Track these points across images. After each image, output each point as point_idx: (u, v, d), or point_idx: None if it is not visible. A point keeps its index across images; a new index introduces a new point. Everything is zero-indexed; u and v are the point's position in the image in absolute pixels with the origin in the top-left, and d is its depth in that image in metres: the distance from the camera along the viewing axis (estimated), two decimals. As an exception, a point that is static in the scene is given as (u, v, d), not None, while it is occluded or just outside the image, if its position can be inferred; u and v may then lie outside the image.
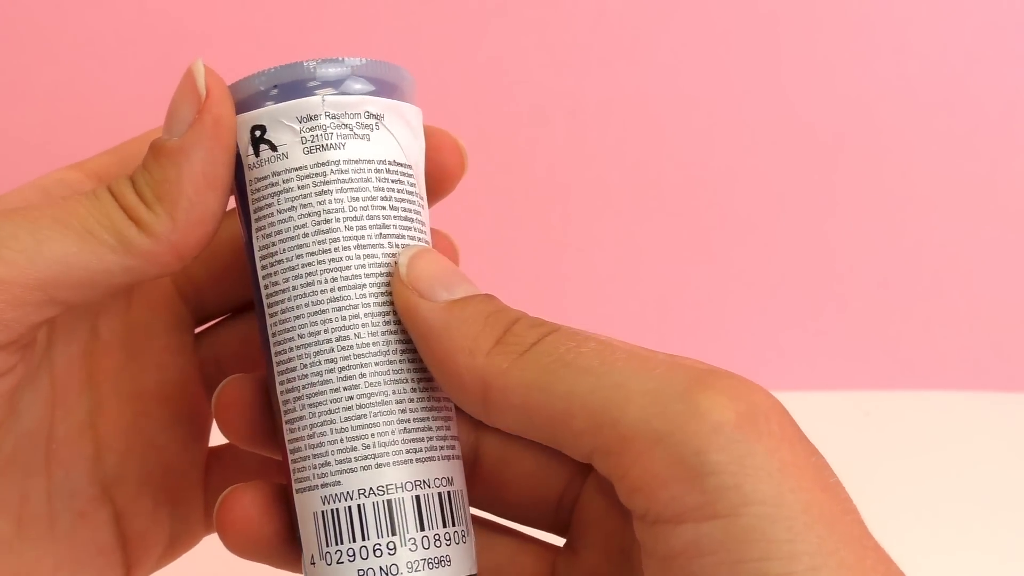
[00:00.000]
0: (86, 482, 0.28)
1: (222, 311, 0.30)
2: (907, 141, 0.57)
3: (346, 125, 0.24)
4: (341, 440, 0.24)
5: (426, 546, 0.24)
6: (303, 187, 0.24)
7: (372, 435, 0.24)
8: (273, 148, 0.24)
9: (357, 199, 0.24)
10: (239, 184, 0.25)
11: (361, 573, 0.24)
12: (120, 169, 0.26)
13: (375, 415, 0.24)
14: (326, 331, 0.24)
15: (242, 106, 0.25)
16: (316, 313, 0.24)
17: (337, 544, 0.24)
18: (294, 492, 0.25)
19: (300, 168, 0.24)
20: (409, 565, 0.24)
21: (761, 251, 0.58)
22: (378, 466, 0.24)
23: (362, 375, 0.24)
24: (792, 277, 0.59)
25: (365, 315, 0.24)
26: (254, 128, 0.24)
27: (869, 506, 0.52)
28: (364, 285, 0.24)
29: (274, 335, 0.25)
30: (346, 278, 0.24)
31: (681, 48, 0.55)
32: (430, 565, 0.24)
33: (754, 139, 0.57)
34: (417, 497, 0.24)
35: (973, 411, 0.58)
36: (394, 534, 0.24)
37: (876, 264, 0.59)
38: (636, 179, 0.57)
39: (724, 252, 0.58)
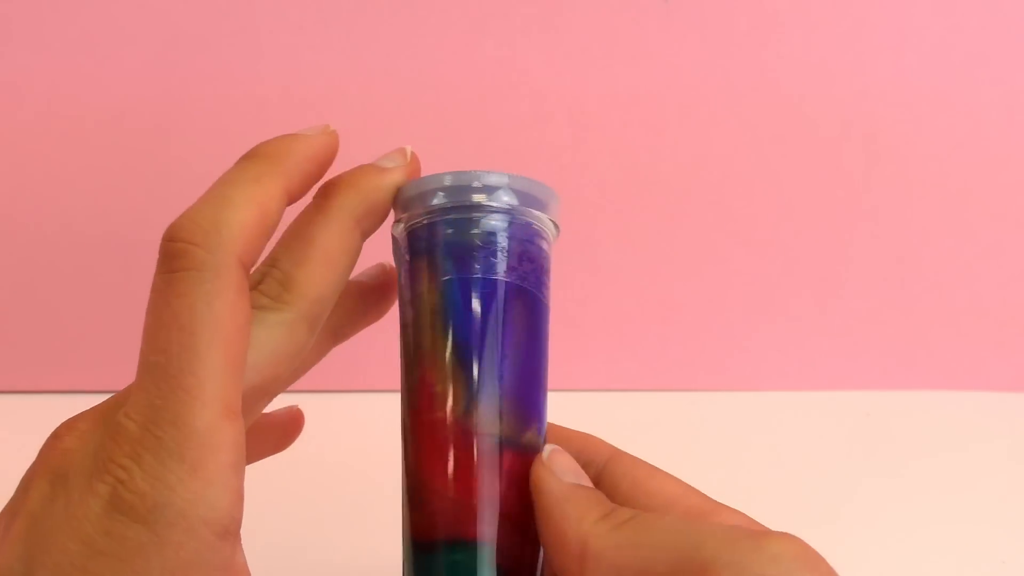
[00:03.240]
0: None
1: None
2: (907, 141, 0.57)
3: None
4: None
5: None
6: None
7: None
8: None
9: None
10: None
11: None
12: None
13: None
14: None
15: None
16: None
17: None
18: None
19: None
20: None
21: (761, 251, 0.58)
22: None
23: None
24: (792, 277, 0.59)
25: None
26: None
27: (870, 505, 0.53)
28: None
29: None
30: None
31: (681, 48, 0.55)
32: None
33: (755, 138, 0.57)
34: None
35: (973, 411, 0.59)
36: None
37: (876, 264, 0.59)
38: (636, 179, 0.57)
39: (724, 252, 0.58)
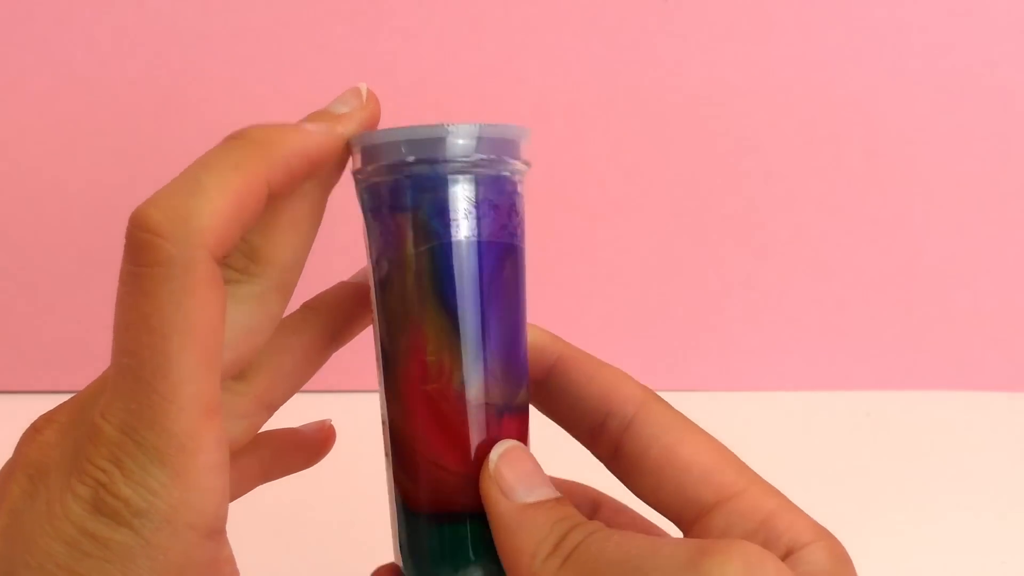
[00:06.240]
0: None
1: None
2: (908, 141, 0.57)
3: None
4: None
5: None
6: None
7: None
8: None
9: None
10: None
11: None
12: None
13: None
14: None
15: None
16: None
17: None
18: None
19: None
20: None
21: (762, 251, 0.58)
22: None
23: None
24: (793, 277, 0.59)
25: None
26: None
27: (869, 505, 0.53)
28: None
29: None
30: None
31: (681, 47, 0.55)
32: None
33: (755, 138, 0.57)
34: None
35: (973, 411, 0.59)
36: None
37: (877, 264, 0.59)
38: (636, 178, 0.57)
39: (725, 252, 0.58)
